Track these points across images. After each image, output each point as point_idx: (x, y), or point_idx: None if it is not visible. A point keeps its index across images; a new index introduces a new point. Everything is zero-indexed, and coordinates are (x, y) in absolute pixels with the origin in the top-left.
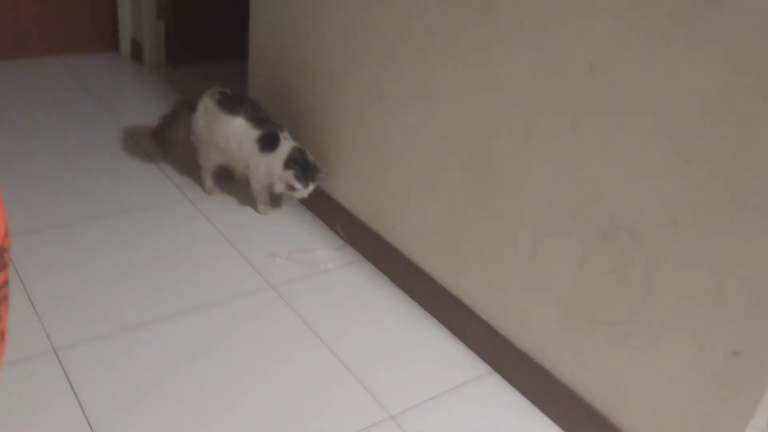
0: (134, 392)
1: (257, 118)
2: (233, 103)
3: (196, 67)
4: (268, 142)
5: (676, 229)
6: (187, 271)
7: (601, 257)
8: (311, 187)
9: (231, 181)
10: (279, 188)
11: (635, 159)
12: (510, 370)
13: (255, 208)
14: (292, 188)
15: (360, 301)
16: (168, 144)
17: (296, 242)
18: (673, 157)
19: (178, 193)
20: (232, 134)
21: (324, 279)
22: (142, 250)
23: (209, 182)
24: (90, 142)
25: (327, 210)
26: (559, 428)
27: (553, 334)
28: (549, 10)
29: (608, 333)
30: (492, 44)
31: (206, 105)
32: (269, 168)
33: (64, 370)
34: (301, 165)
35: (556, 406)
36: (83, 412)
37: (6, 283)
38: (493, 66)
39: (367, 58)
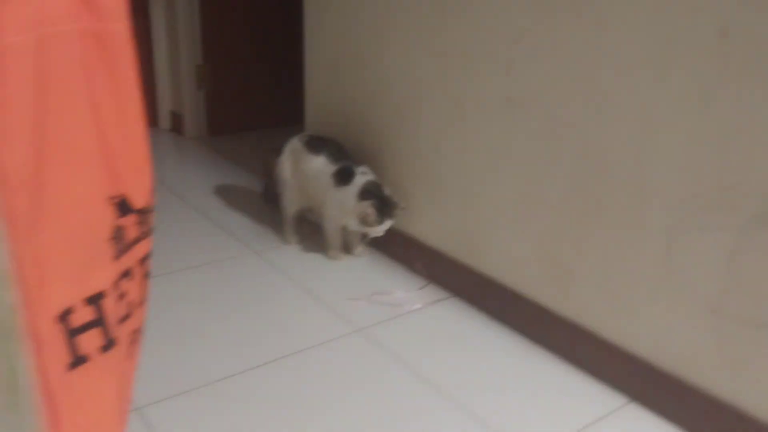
0: None
1: (337, 155)
2: (319, 143)
3: (239, 135)
4: (343, 176)
5: None
6: (266, 322)
7: (758, 246)
8: (387, 223)
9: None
10: (353, 224)
11: None
12: (652, 397)
13: (325, 255)
14: (366, 223)
15: (460, 338)
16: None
17: (375, 285)
18: None
19: (241, 246)
20: (312, 173)
21: (414, 319)
22: (215, 304)
23: (289, 228)
24: None
25: (404, 249)
26: None
27: (706, 346)
28: None
29: None
30: (594, 31)
31: (293, 146)
32: (343, 203)
33: (149, 428)
34: (377, 197)
35: (718, 430)
36: None
37: (150, 255)
38: (598, 54)
39: (441, 82)
